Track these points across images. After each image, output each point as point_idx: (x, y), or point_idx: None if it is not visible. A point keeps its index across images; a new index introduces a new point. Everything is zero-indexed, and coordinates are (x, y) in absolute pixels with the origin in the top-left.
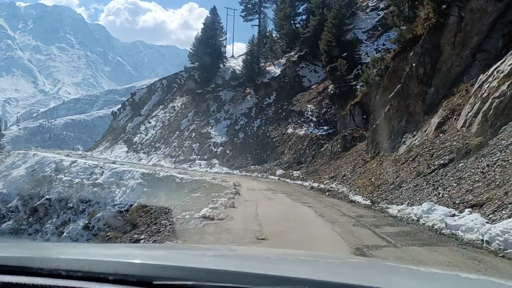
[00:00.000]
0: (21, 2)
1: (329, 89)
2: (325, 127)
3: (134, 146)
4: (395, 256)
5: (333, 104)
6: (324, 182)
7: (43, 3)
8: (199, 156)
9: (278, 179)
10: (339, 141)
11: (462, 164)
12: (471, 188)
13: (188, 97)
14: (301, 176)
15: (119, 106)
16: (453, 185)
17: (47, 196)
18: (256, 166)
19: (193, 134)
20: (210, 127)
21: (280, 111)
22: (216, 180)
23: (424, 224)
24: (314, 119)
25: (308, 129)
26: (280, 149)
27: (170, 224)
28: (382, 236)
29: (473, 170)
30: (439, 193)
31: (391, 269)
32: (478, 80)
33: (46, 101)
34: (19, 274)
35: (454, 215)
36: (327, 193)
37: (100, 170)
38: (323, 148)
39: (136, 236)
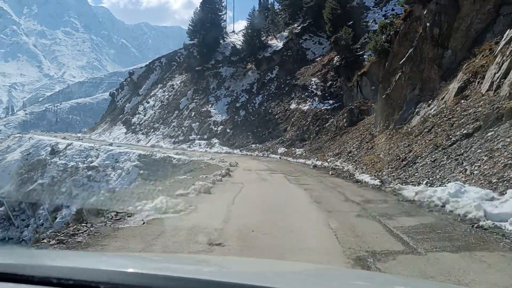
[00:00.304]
0: None
1: (335, 61)
2: (330, 101)
3: (132, 127)
4: (418, 270)
5: (339, 76)
6: (328, 160)
7: None
8: (198, 136)
9: (280, 157)
10: (345, 115)
11: (492, 133)
12: (510, 161)
13: (188, 75)
14: (304, 154)
15: (118, 86)
16: (483, 159)
17: (40, 181)
18: (258, 144)
19: (193, 113)
20: (210, 105)
21: (282, 86)
22: (213, 161)
23: (452, 212)
24: (318, 93)
25: (312, 104)
26: (282, 126)
27: (102, 223)
28: (396, 233)
29: (508, 140)
30: (466, 169)
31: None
32: (504, 37)
33: (52, 85)
34: (10, 281)
35: (493, 198)
36: (330, 172)
37: (95, 153)
38: (327, 124)
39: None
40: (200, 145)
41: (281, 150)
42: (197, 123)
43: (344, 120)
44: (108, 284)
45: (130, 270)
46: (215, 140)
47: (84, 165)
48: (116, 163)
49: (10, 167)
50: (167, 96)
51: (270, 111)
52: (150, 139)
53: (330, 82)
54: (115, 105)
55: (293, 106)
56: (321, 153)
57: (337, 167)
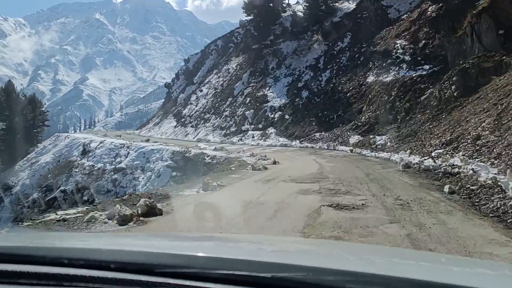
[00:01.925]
0: None
1: (429, 12)
2: (426, 66)
3: (182, 120)
4: None
5: (437, 31)
6: (433, 154)
7: None
8: (252, 126)
9: (351, 150)
10: (454, 79)
11: None
12: None
13: (244, 56)
14: (388, 143)
15: (173, 76)
16: None
17: (63, 188)
18: (323, 133)
19: (248, 99)
20: (267, 88)
21: (357, 56)
22: (253, 158)
23: None
24: (406, 57)
25: (398, 73)
26: (356, 106)
27: None
28: None
29: None
30: None
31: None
32: None
33: (145, 87)
34: (22, 263)
35: None
36: (448, 180)
37: (125, 151)
38: (424, 96)
39: None
40: (253, 136)
41: (354, 139)
42: (252, 110)
43: (453, 87)
44: (118, 263)
45: (139, 249)
46: (270, 130)
47: (112, 166)
48: (147, 163)
49: (40, 171)
50: (222, 81)
51: (340, 88)
52: (199, 132)
53: (423, 42)
54: (170, 97)
55: (371, 78)
56: (417, 140)
57: (457, 170)
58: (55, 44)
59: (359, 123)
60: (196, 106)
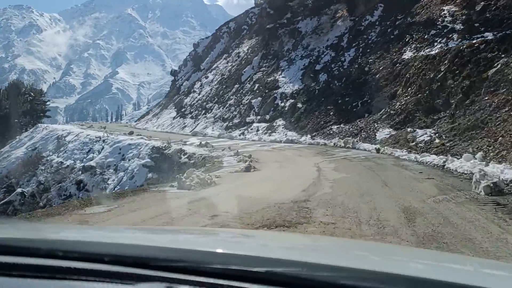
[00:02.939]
0: None
1: None
2: (488, 33)
3: (182, 110)
4: None
5: None
6: None
7: None
8: (259, 117)
9: (378, 150)
10: None
11: None
12: None
13: (258, 38)
14: (436, 140)
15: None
16: None
17: (20, 189)
18: (342, 125)
19: (256, 85)
20: (279, 73)
21: (389, 30)
22: (234, 159)
23: None
24: (457, 26)
25: (446, 43)
26: (387, 90)
27: None
28: None
29: None
30: None
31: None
32: None
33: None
34: (16, 255)
35: None
36: None
37: (99, 146)
38: (494, 69)
39: None
40: (257, 130)
41: (384, 133)
42: (259, 98)
43: None
44: (113, 256)
45: (135, 242)
46: (279, 122)
47: (81, 164)
48: (121, 161)
49: (8, 167)
50: (230, 67)
51: (366, 69)
52: (198, 124)
53: (482, 4)
54: (175, 86)
55: (408, 55)
56: (487, 136)
57: None
58: (88, 38)
59: (391, 112)
60: (199, 94)
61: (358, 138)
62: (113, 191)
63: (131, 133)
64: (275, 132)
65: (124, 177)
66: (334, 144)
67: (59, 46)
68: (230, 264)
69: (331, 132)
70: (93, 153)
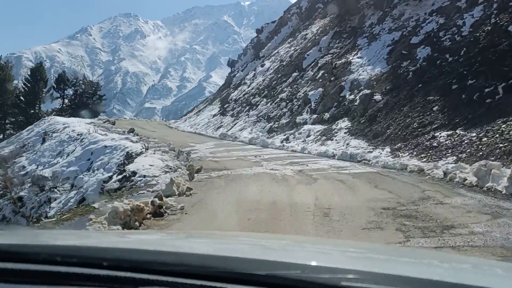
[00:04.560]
0: (246, 0)
1: None
2: None
3: (225, 106)
4: None
5: None
6: None
7: None
8: (314, 116)
9: None
10: None
11: None
12: None
13: (332, 16)
14: None
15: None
16: None
17: None
18: (459, 131)
19: (320, 72)
20: (355, 53)
21: None
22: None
23: None
24: None
25: None
26: None
27: None
28: None
29: None
30: None
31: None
32: None
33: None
34: (15, 261)
35: None
36: None
37: (73, 147)
38: None
39: None
40: (308, 135)
41: None
42: (320, 89)
43: None
44: (111, 261)
45: (132, 246)
46: (341, 124)
47: (42, 171)
48: (86, 171)
49: None
50: (292, 51)
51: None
52: (236, 123)
53: None
54: (230, 78)
55: None
56: None
57: None
58: (186, 44)
59: None
60: (249, 86)
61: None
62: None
63: (131, 131)
64: (332, 140)
65: (72, 199)
66: (445, 173)
67: (159, 50)
68: (229, 268)
69: (435, 145)
70: (61, 157)
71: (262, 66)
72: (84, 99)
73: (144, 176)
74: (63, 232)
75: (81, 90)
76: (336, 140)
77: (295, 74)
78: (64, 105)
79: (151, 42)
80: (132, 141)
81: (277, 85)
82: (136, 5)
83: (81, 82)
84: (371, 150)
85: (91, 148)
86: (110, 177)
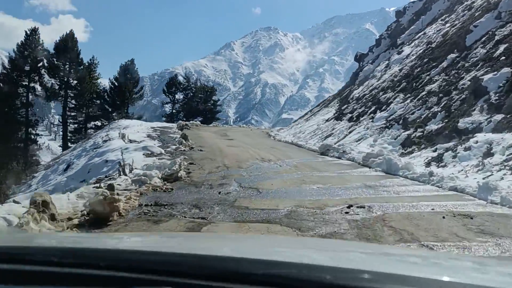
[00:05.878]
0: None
1: None
2: None
3: (342, 108)
4: None
5: None
6: None
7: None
8: (497, 117)
9: None
10: None
11: None
12: None
13: None
14: None
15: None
16: None
17: None
18: None
19: (500, 49)
20: None
21: None
22: None
23: None
24: None
25: None
26: None
27: None
28: None
29: None
30: None
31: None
32: None
33: None
34: (11, 263)
35: None
36: None
37: (84, 159)
38: None
39: None
40: (489, 152)
41: None
42: (504, 70)
43: None
44: (108, 261)
45: (129, 247)
46: None
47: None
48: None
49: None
50: (447, 29)
51: None
52: (353, 130)
53: None
54: (356, 74)
55: None
56: None
57: None
58: (325, 55)
59: None
60: (378, 80)
61: None
62: None
63: (184, 137)
64: None
65: None
66: None
67: (297, 62)
68: (225, 267)
69: None
70: (62, 174)
71: (399, 53)
72: (195, 103)
73: None
74: (59, 235)
75: (191, 94)
76: None
77: (452, 55)
78: (174, 110)
79: (290, 55)
80: (149, 152)
81: (421, 73)
82: (276, 18)
83: (192, 86)
84: None
85: (92, 163)
86: None
